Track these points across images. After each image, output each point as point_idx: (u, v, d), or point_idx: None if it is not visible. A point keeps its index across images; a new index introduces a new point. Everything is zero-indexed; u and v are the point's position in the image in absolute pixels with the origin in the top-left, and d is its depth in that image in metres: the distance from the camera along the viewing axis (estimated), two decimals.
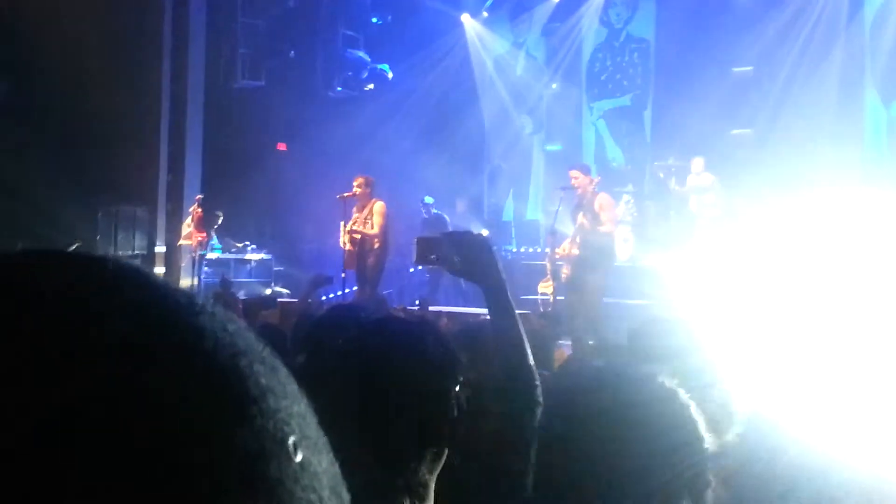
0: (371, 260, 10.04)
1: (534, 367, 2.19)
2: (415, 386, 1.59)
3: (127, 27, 12.98)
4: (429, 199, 13.31)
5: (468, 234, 2.34)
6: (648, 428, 1.42)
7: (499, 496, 2.03)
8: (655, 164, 12.55)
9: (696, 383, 1.96)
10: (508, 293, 2.23)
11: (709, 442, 1.46)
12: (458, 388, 1.63)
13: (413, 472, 1.57)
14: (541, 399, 2.14)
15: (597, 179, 9.74)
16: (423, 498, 1.58)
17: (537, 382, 2.18)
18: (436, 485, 1.61)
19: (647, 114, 14.57)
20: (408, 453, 1.58)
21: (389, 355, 1.62)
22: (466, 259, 2.24)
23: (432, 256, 2.40)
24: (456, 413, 1.62)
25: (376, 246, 10.04)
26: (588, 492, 1.42)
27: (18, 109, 12.07)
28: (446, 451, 1.62)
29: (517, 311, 2.26)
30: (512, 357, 2.16)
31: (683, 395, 1.49)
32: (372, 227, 10.00)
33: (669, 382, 1.51)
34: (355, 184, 10.24)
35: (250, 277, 12.84)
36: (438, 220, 12.87)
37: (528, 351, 2.19)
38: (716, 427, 2.43)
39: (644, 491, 1.39)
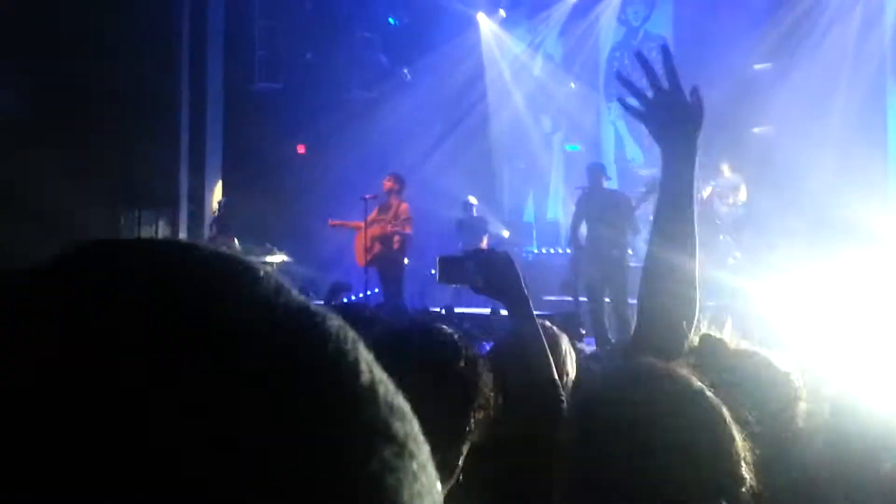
0: (396, 260, 10.13)
1: (557, 382, 2.18)
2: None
3: (145, 30, 13.03)
4: (473, 200, 12.92)
5: (492, 252, 2.35)
6: (677, 427, 1.40)
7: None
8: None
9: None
10: (531, 308, 2.23)
11: (741, 444, 1.44)
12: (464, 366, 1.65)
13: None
14: (565, 413, 2.13)
15: None
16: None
17: (562, 396, 2.16)
18: (461, 484, 1.62)
19: None
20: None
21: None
22: (489, 278, 2.24)
23: (455, 275, 2.41)
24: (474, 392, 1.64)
25: (397, 246, 10.13)
26: (618, 496, 1.41)
27: (36, 114, 12.14)
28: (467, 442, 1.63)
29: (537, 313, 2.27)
30: (535, 371, 2.16)
31: (710, 393, 1.48)
32: (398, 228, 10.10)
33: (697, 380, 1.50)
34: (387, 179, 10.32)
35: None
36: (480, 221, 12.67)
37: (552, 364, 2.19)
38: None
39: (676, 492, 1.37)
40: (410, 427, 0.43)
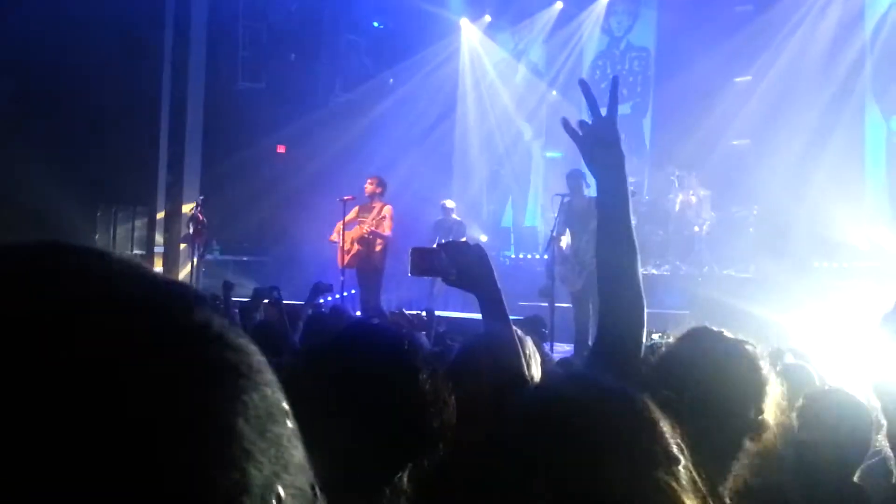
0: (376, 262, 10.13)
1: (527, 377, 2.17)
2: (383, 385, 1.61)
3: (129, 28, 12.98)
4: (450, 203, 12.82)
5: (465, 244, 2.34)
6: (614, 439, 1.39)
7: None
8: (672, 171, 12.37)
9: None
10: (504, 303, 2.23)
11: (685, 457, 1.43)
12: (431, 387, 1.63)
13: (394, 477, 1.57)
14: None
15: None
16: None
17: None
18: (421, 489, 1.62)
19: (647, 122, 14.60)
20: (386, 457, 1.58)
21: (356, 356, 1.65)
22: (462, 270, 2.23)
23: (428, 267, 2.40)
24: (433, 410, 1.62)
25: (378, 248, 10.13)
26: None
27: (19, 109, 12.06)
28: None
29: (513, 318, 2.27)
30: (506, 367, 2.15)
31: (651, 405, 1.47)
32: (385, 230, 10.08)
33: (634, 391, 1.49)
34: (369, 182, 10.31)
35: (248, 279, 12.83)
36: (458, 224, 12.64)
37: (524, 361, 2.19)
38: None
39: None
40: (245, 357, 0.52)
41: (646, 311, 2.22)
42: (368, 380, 1.59)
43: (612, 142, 2.28)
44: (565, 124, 2.33)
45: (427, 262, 2.39)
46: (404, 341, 1.69)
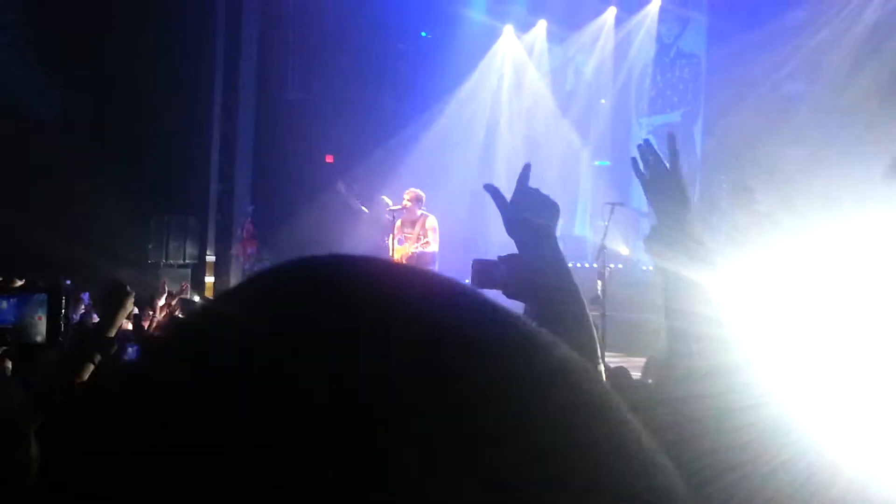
0: None
1: None
2: None
3: (180, 38, 13.17)
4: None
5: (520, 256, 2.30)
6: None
7: None
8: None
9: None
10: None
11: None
12: None
13: None
14: None
15: None
16: None
17: None
18: None
19: (697, 129, 14.43)
20: None
21: None
22: (521, 282, 2.21)
23: (488, 280, 2.37)
24: None
25: (431, 260, 10.08)
26: None
27: (71, 120, 12.29)
28: None
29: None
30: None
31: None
32: (429, 245, 10.00)
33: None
34: (406, 196, 10.22)
35: None
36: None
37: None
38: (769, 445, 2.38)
39: None
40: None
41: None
42: None
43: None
44: (491, 190, 2.27)
45: (487, 274, 2.36)
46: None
